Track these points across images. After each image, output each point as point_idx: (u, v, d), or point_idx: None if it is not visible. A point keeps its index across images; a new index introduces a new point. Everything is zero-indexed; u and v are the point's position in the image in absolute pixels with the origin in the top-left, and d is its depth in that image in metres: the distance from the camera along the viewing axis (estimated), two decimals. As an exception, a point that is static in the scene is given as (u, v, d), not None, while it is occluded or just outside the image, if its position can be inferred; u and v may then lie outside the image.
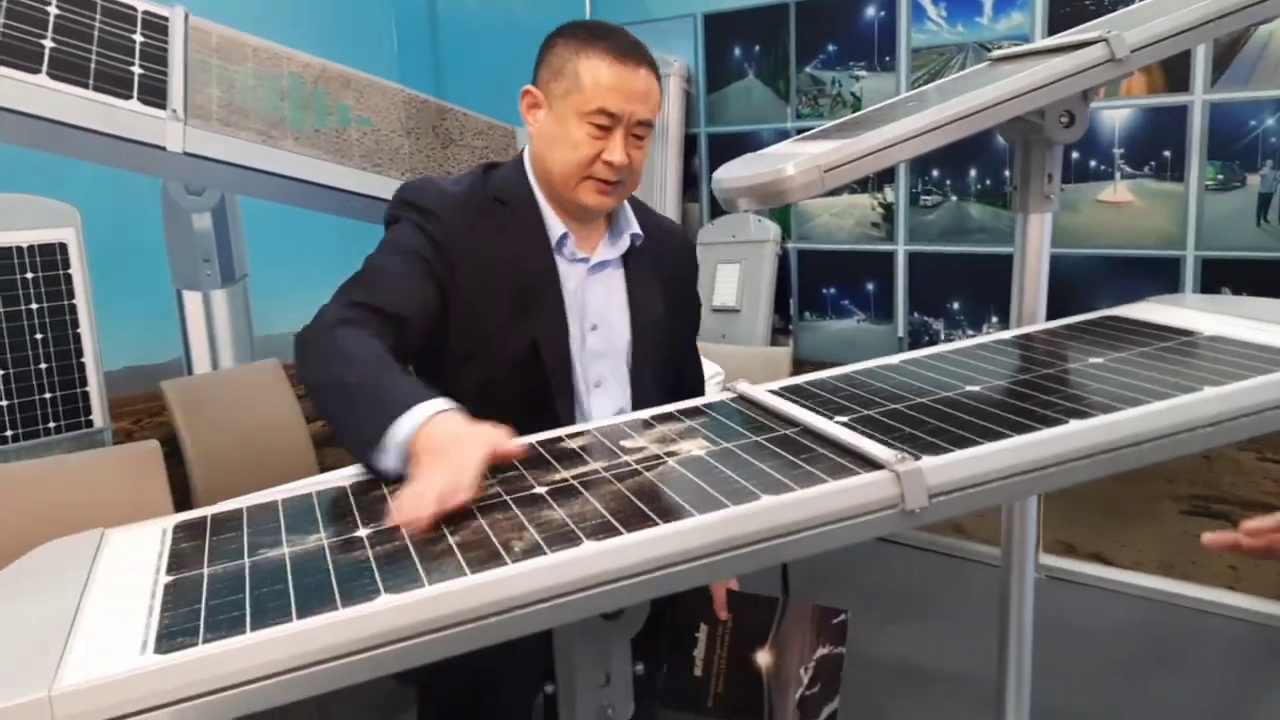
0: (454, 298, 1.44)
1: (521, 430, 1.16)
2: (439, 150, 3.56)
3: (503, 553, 0.91)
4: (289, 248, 3.24)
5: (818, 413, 1.19)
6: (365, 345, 1.25)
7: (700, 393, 1.71)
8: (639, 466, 1.10)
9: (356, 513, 1.07)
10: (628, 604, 0.95)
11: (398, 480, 1.10)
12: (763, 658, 1.65)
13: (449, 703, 1.57)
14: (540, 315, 1.47)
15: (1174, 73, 3.08)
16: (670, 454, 1.12)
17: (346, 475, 1.19)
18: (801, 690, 1.64)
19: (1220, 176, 3.05)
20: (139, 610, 0.88)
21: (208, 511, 1.13)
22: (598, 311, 1.53)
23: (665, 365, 1.62)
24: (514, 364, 1.46)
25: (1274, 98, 2.92)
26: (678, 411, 1.28)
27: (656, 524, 0.93)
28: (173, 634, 0.82)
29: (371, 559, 0.94)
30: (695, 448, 1.14)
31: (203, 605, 0.88)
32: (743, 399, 1.30)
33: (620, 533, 0.93)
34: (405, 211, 1.47)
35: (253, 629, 0.82)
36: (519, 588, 0.87)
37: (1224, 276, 3.08)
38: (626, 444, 1.17)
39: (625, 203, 1.58)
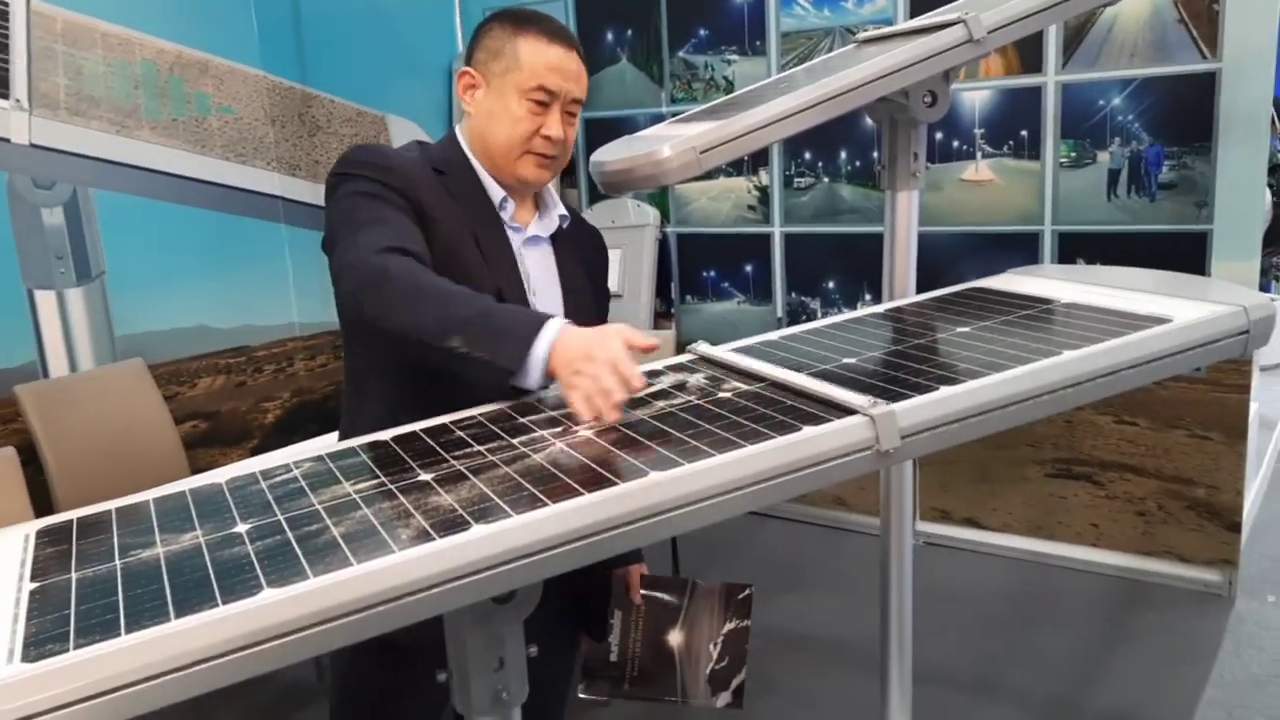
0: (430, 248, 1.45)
1: (486, 386, 1.25)
2: (306, 138, 3.45)
3: (389, 541, 0.89)
4: (149, 243, 3.10)
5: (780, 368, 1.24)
6: (443, 280, 1.30)
7: None
8: (561, 443, 1.09)
9: (234, 508, 1.03)
10: (519, 586, 0.95)
11: (276, 473, 1.07)
12: (675, 637, 1.72)
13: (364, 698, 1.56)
14: (500, 270, 1.51)
15: (1028, 55, 3.21)
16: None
17: (222, 473, 1.15)
18: (711, 665, 1.71)
19: (1073, 154, 3.20)
20: (2, 619, 0.84)
21: (73, 515, 1.08)
22: (537, 281, 1.57)
23: None
24: None
25: (1120, 78, 3.08)
26: (645, 371, 1.30)
27: (581, 494, 0.93)
28: (41, 641, 0.78)
29: (252, 554, 0.91)
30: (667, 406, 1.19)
31: (72, 610, 0.84)
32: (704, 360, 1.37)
33: (509, 515, 0.92)
34: (361, 170, 1.45)
35: (127, 631, 0.78)
36: (406, 575, 0.85)
37: (1079, 248, 3.24)
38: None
39: (550, 186, 1.62)
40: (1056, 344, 1.24)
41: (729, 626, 1.72)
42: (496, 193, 1.54)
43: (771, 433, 1.05)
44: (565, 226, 1.63)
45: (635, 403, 1.19)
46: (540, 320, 1.23)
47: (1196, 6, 2.92)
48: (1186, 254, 3.03)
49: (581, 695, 1.79)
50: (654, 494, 0.96)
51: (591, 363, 1.17)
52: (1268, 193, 3.90)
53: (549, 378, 1.22)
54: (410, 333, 1.26)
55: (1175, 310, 1.30)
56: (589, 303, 1.65)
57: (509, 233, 1.55)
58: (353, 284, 1.31)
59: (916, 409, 1.08)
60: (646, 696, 1.71)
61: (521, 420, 1.20)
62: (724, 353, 1.38)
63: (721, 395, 1.21)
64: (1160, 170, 3.07)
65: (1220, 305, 1.30)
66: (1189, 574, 3.21)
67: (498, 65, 1.50)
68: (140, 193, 3.07)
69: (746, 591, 1.72)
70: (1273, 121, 3.41)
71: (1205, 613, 3.06)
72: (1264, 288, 4.55)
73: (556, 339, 1.21)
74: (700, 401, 1.20)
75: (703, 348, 1.40)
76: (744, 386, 1.24)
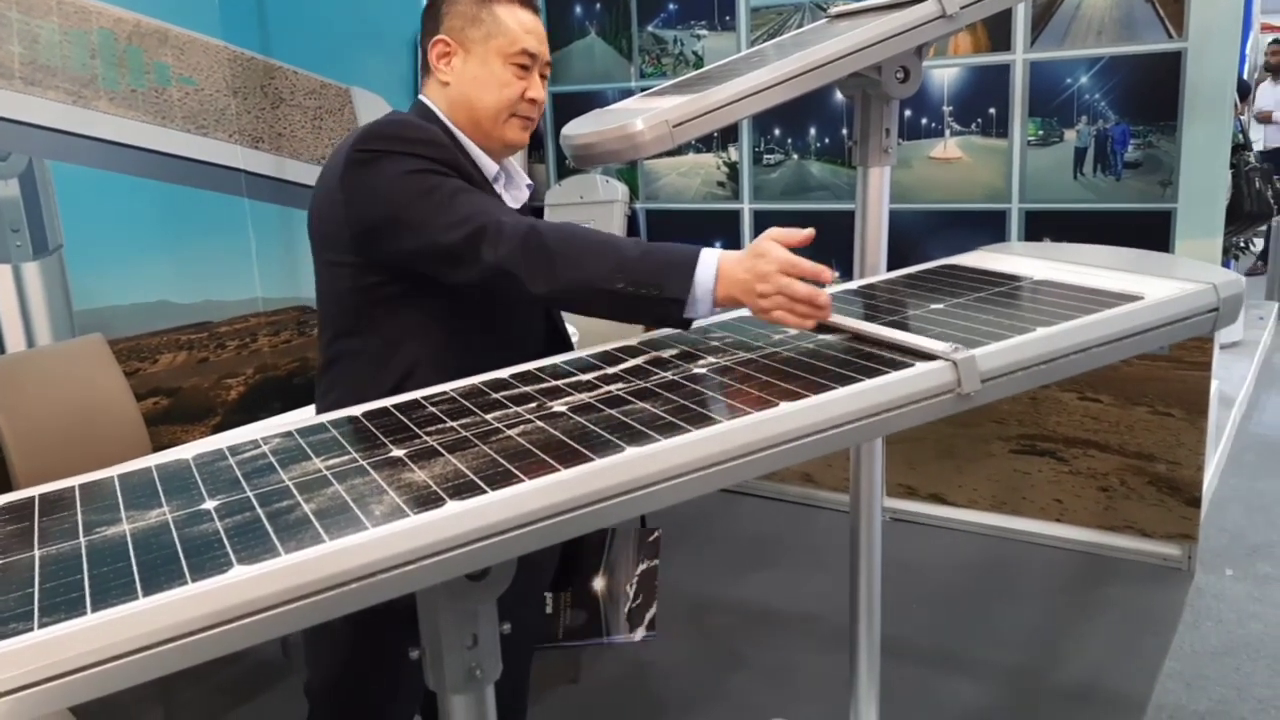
0: None
1: (490, 352, 1.34)
2: (269, 110, 3.39)
3: (361, 517, 0.88)
4: (109, 216, 3.03)
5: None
6: (585, 229, 1.35)
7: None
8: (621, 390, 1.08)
9: (202, 485, 1.02)
10: (493, 563, 0.94)
11: (245, 449, 1.05)
12: (598, 584, 1.90)
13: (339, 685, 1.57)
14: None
15: (996, 33, 3.21)
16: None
17: (189, 449, 1.13)
18: (629, 604, 1.93)
19: (1040, 132, 3.22)
20: (-38, 600, 0.82)
21: (35, 491, 1.06)
22: None
23: None
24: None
25: (1087, 56, 3.10)
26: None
27: (557, 469, 0.92)
28: (4, 620, 0.76)
29: (221, 531, 0.89)
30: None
31: (36, 589, 0.82)
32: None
33: (483, 491, 0.91)
34: (412, 148, 1.42)
35: (94, 610, 0.77)
36: (379, 552, 0.84)
37: (1046, 226, 3.26)
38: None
39: (514, 156, 1.63)
40: (1031, 320, 1.25)
41: (642, 567, 1.91)
42: (490, 167, 1.55)
43: (860, 376, 1.12)
44: (530, 192, 1.65)
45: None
46: (695, 252, 1.28)
47: (1163, -14, 2.94)
48: (1151, 232, 3.06)
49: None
50: (648, 464, 0.95)
51: (768, 280, 1.24)
52: (1228, 172, 3.95)
53: (718, 306, 1.29)
54: (582, 286, 1.30)
55: (1146, 288, 1.31)
56: None
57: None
58: (507, 253, 1.31)
59: (993, 355, 1.15)
60: (575, 642, 1.88)
61: (495, 396, 1.19)
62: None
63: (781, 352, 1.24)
64: (1126, 149, 3.09)
65: (1190, 283, 1.31)
66: (1150, 548, 3.26)
67: (476, 31, 1.51)
68: (98, 165, 3.00)
69: (656, 533, 1.88)
70: (1235, 103, 3.45)
71: (1165, 586, 3.11)
72: (1224, 265, 4.61)
73: (719, 266, 1.27)
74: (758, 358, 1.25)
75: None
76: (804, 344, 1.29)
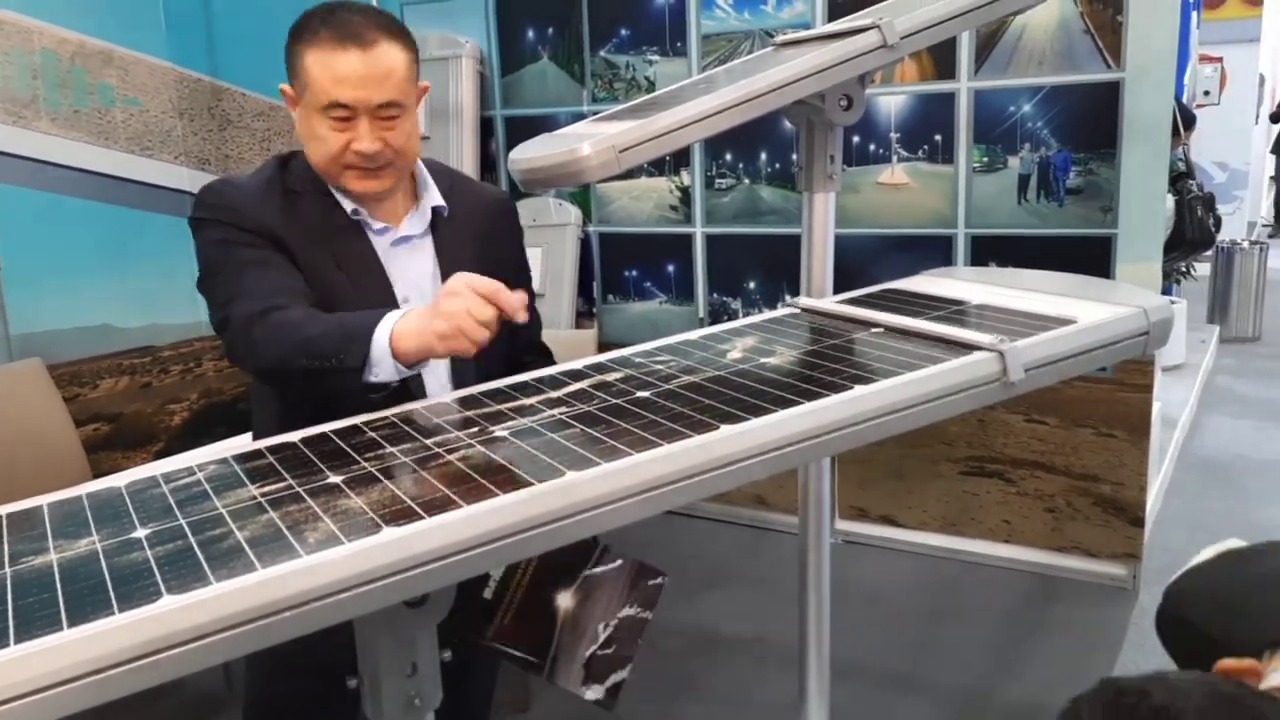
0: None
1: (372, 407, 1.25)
2: (216, 133, 3.36)
3: (295, 545, 0.87)
4: (49, 239, 2.98)
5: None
6: (300, 311, 1.34)
7: (540, 345, 1.72)
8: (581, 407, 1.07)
9: (134, 513, 1.00)
10: (431, 589, 0.93)
11: (178, 476, 1.03)
12: (564, 599, 1.48)
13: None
14: (364, 283, 1.48)
15: (942, 61, 3.28)
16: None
17: (122, 477, 1.11)
18: (594, 648, 1.48)
19: (985, 159, 3.28)
20: (-124, 634, 0.79)
21: (-41, 522, 1.03)
22: (408, 283, 1.52)
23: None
24: None
25: (1029, 86, 3.16)
26: (745, 326, 1.44)
27: (496, 494, 0.92)
28: (-83, 656, 0.74)
29: (151, 560, 0.88)
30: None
31: (-46, 622, 0.79)
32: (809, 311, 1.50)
33: (421, 517, 0.90)
34: (214, 214, 1.45)
35: (16, 642, 0.75)
36: (312, 580, 0.83)
37: (991, 251, 3.31)
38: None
39: (427, 175, 1.57)
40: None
41: (627, 612, 1.48)
42: (347, 203, 1.49)
43: (901, 370, 1.17)
44: (445, 214, 1.57)
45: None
46: (379, 315, 1.26)
47: (1101, 18, 3.01)
48: (1092, 257, 3.12)
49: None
50: (588, 488, 0.95)
51: (444, 318, 1.19)
52: (1170, 199, 4.04)
53: (407, 365, 1.24)
54: (276, 367, 1.32)
55: (1080, 312, 1.33)
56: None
57: (373, 238, 1.50)
58: (230, 339, 1.38)
59: (1033, 347, 1.22)
60: (507, 650, 1.45)
61: (437, 420, 1.18)
62: (828, 304, 1.54)
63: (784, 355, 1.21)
64: (1068, 176, 3.16)
65: (1122, 307, 1.33)
66: (1095, 568, 3.30)
67: (298, 84, 1.43)
68: (39, 186, 2.95)
69: (660, 580, 1.53)
70: (1176, 130, 3.54)
71: (1111, 605, 3.15)
72: (1166, 290, 4.71)
73: (396, 322, 1.24)
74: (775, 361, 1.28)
75: (804, 301, 1.55)
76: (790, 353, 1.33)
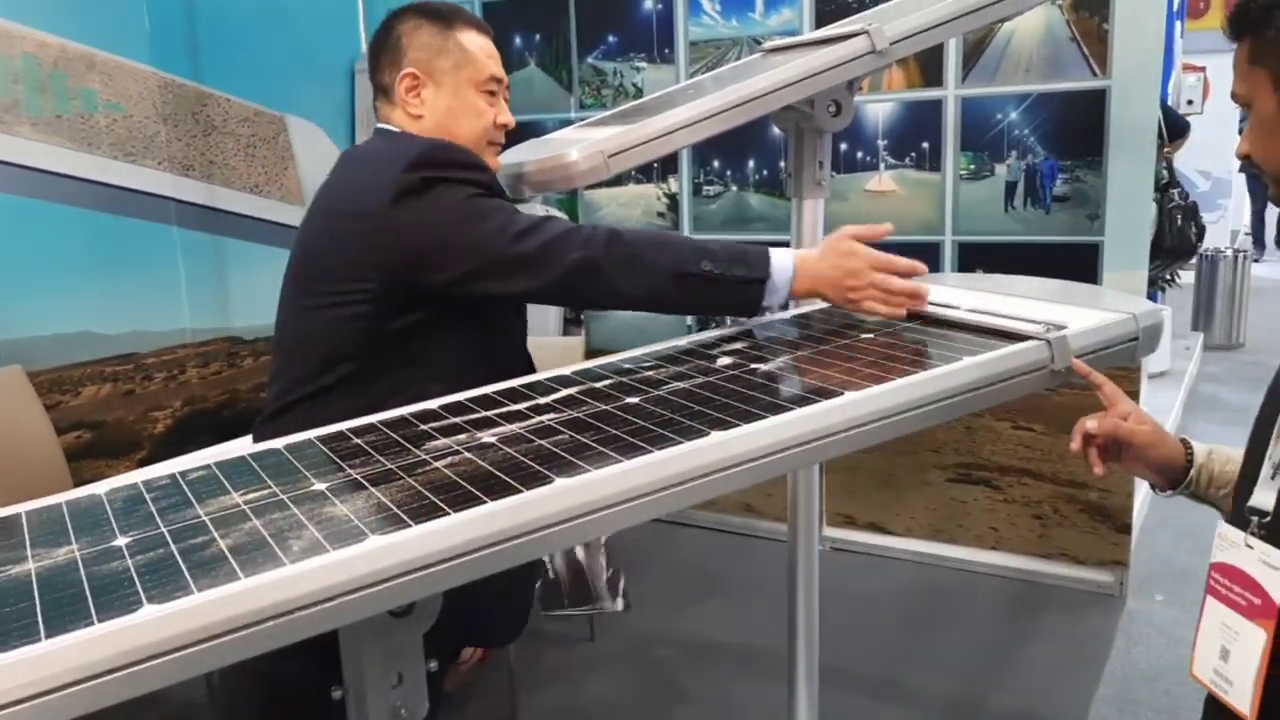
0: None
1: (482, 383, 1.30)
2: (200, 138, 3.33)
3: (279, 553, 0.85)
4: (31, 244, 2.94)
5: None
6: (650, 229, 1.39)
7: None
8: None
9: (114, 521, 0.98)
10: (417, 598, 0.92)
11: (160, 484, 1.02)
12: (579, 550, 2.14)
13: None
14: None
15: (929, 69, 3.28)
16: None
17: (103, 485, 1.09)
18: (605, 575, 2.17)
19: (972, 166, 3.28)
20: None
21: (-66, 530, 1.01)
22: None
23: None
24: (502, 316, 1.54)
25: (1016, 93, 3.17)
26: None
27: (449, 513, 0.90)
28: (-111, 668, 0.72)
29: (132, 569, 0.86)
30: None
31: (-72, 633, 0.78)
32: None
33: (408, 524, 0.89)
34: (468, 175, 1.43)
35: (-10, 655, 0.73)
36: (296, 589, 0.82)
37: (978, 258, 3.31)
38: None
39: None
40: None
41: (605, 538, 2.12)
42: None
43: (959, 355, 1.21)
44: None
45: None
46: (767, 248, 1.40)
47: (1087, 25, 3.02)
48: (1079, 264, 3.13)
49: (544, 614, 2.29)
50: (576, 495, 0.94)
51: (859, 276, 1.37)
52: (1153, 207, 4.05)
53: (794, 297, 1.40)
54: (668, 270, 1.36)
55: (1069, 318, 1.33)
56: None
57: None
58: (592, 250, 1.35)
59: (1078, 336, 1.25)
60: (578, 610, 2.23)
61: (424, 427, 1.17)
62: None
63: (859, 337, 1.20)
64: (1054, 183, 3.16)
65: (1112, 313, 1.33)
66: (1083, 575, 3.30)
67: (444, 62, 1.50)
68: (20, 192, 2.92)
69: None
70: (1160, 138, 3.54)
71: (1098, 612, 3.15)
72: (1150, 298, 4.72)
73: (796, 259, 1.39)
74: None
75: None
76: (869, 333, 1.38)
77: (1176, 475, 1.21)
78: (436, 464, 1.03)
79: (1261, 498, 1.03)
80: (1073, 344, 1.26)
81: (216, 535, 0.91)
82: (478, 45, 1.52)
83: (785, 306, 1.47)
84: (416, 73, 1.50)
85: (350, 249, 1.39)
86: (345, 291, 1.38)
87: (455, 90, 1.51)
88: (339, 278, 1.39)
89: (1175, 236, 4.78)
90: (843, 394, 1.13)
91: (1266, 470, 1.04)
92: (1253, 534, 1.03)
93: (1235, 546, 1.04)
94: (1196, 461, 1.20)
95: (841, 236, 1.41)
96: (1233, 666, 1.02)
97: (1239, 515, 1.06)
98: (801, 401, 1.11)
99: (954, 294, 1.58)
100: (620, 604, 2.21)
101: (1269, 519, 1.02)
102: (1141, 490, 3.35)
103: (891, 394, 1.13)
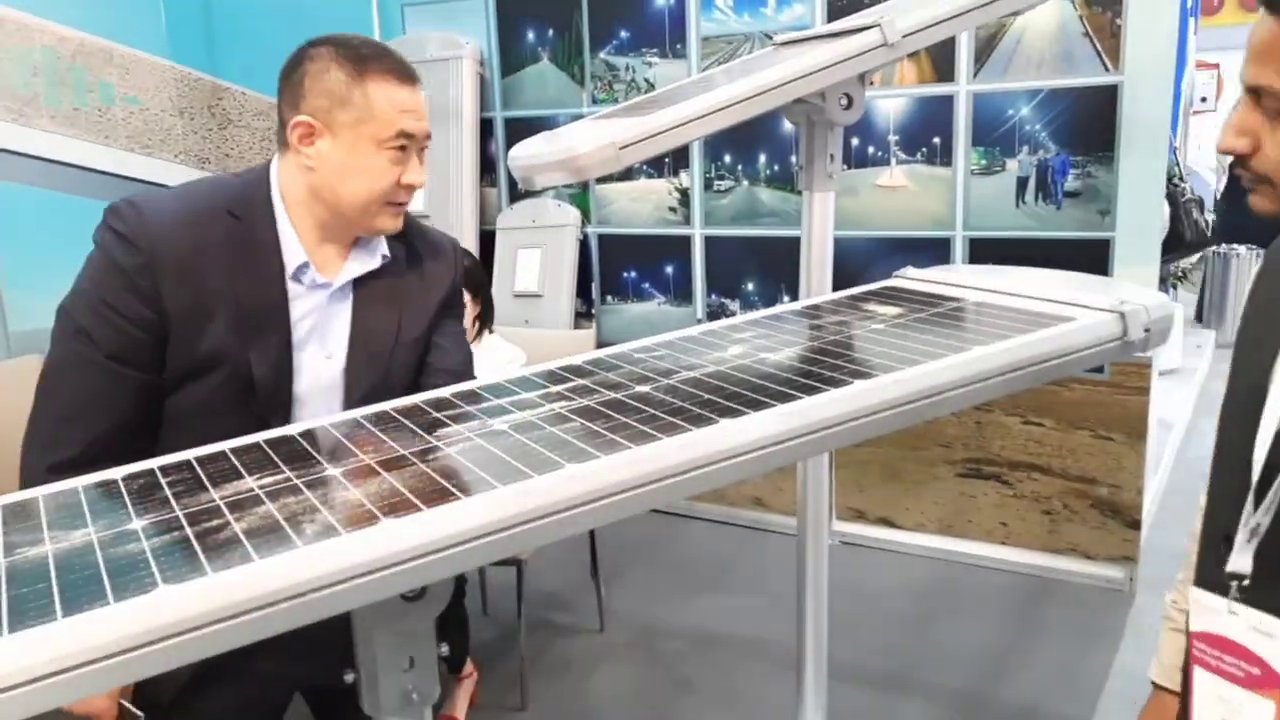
0: (170, 316, 1.38)
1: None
2: (216, 131, 3.36)
3: (293, 536, 0.87)
4: (49, 235, 2.97)
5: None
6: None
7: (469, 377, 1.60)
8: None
9: (130, 505, 0.99)
10: (430, 581, 0.93)
11: (176, 469, 1.03)
12: None
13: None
14: (258, 332, 1.40)
15: (941, 64, 3.28)
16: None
17: (119, 470, 1.10)
18: None
19: (983, 162, 3.28)
20: None
21: (-45, 513, 1.02)
22: (314, 331, 1.46)
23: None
24: (231, 389, 1.40)
25: (1028, 89, 3.17)
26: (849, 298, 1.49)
27: (459, 497, 0.91)
28: (-88, 644, 0.74)
29: (148, 550, 0.87)
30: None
31: (-51, 611, 0.79)
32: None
33: (419, 509, 0.90)
34: (107, 235, 1.45)
35: (10, 631, 0.74)
36: (310, 571, 0.83)
37: (989, 253, 3.31)
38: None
39: None
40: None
41: None
42: (295, 257, 1.42)
43: (1027, 329, 1.23)
44: (385, 264, 1.50)
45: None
46: None
47: (1100, 21, 3.02)
48: (1090, 260, 3.12)
49: None
50: (587, 480, 0.95)
51: None
52: (1165, 203, 4.05)
53: None
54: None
55: (1077, 310, 1.33)
56: (414, 334, 1.52)
57: (309, 292, 1.44)
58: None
59: (1152, 309, 1.26)
60: None
61: (436, 415, 1.18)
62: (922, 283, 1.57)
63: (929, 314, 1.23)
64: (1066, 178, 3.16)
65: (1122, 305, 1.33)
66: (1092, 570, 3.30)
67: (345, 115, 1.37)
68: (39, 184, 2.95)
69: None
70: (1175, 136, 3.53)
71: (1107, 608, 3.15)
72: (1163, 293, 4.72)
73: None
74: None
75: (910, 271, 1.59)
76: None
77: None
78: (448, 450, 1.05)
79: (1238, 562, 0.98)
80: (1078, 338, 1.26)
81: (231, 519, 0.92)
82: (388, 99, 1.37)
83: None
84: (313, 122, 1.37)
85: None
86: None
87: (353, 146, 1.37)
88: None
89: (1193, 229, 4.79)
90: (874, 376, 1.13)
91: (1242, 536, 0.98)
92: (1235, 599, 0.97)
93: (1216, 613, 0.98)
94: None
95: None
96: None
97: (1214, 580, 1.00)
98: (829, 385, 1.11)
99: (959, 288, 1.58)
100: None
101: (1248, 582, 0.97)
102: (1151, 486, 3.35)
103: (955, 368, 1.16)
